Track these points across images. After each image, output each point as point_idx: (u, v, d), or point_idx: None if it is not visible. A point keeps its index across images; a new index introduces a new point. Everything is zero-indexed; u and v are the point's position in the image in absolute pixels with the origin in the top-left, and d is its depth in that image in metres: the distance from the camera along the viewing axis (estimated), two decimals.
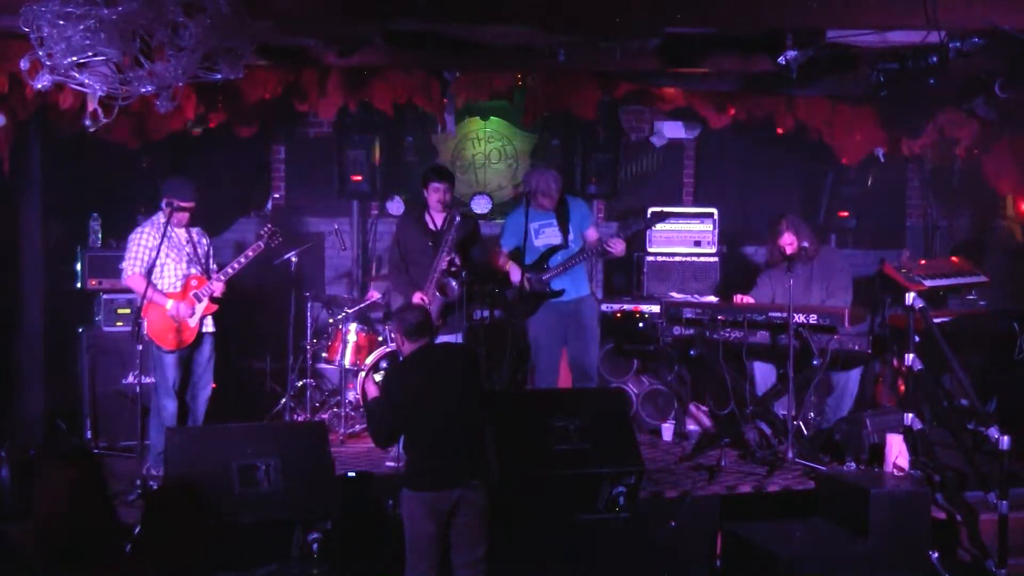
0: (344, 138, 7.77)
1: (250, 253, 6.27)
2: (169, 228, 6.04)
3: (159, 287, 6.03)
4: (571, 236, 6.73)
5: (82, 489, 2.92)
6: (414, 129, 8.33)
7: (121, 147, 7.02)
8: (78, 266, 6.95)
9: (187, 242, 6.19)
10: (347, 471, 5.76)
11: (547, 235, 6.75)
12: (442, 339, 6.41)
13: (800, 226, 6.69)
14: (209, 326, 6.22)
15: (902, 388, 6.58)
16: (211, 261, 6.35)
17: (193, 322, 6.08)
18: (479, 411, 4.82)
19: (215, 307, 6.17)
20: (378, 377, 6.29)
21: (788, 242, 6.61)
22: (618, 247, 6.56)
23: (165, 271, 6.10)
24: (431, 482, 4.56)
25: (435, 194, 6.49)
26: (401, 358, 4.93)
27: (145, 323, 5.93)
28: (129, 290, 6.34)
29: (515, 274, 6.66)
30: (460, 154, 8.49)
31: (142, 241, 6.05)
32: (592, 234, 6.80)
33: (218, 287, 6.15)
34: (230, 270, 6.22)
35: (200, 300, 6.11)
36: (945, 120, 7.49)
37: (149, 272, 5.91)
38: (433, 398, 4.64)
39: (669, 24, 5.95)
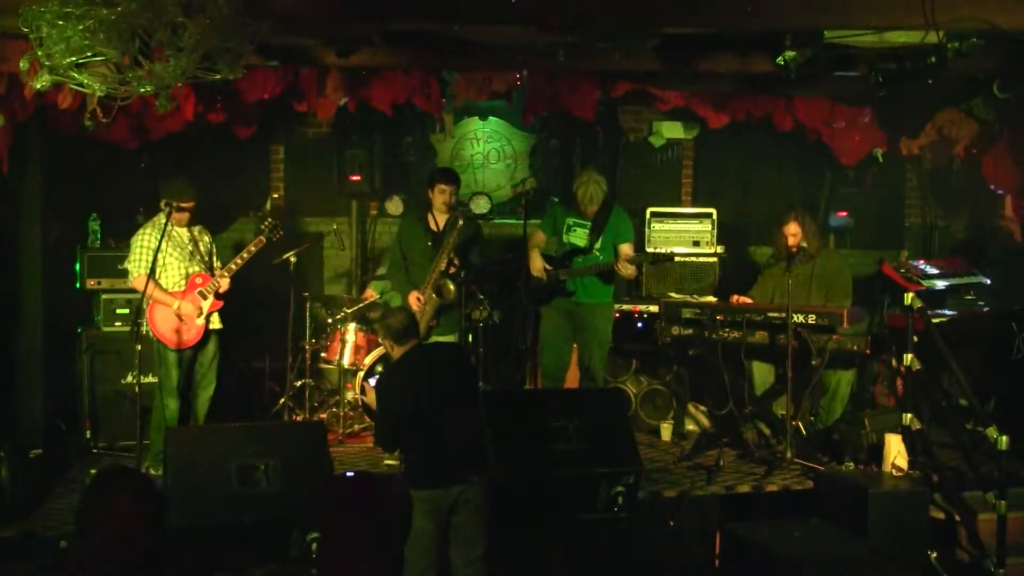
0: (343, 138, 7.78)
1: (252, 248, 6.33)
2: (169, 227, 6.09)
3: (164, 286, 6.08)
4: (599, 244, 6.70)
5: (137, 510, 2.92)
6: (413, 129, 8.33)
7: (121, 147, 7.02)
8: (78, 266, 6.95)
9: (189, 241, 6.25)
10: (346, 471, 5.76)
11: (576, 235, 6.75)
12: (439, 339, 6.43)
13: (807, 222, 6.70)
14: (216, 323, 6.27)
15: (901, 388, 6.58)
16: (214, 258, 6.40)
17: (200, 320, 6.13)
18: (475, 406, 4.83)
19: (220, 303, 6.23)
20: (372, 382, 6.31)
21: (792, 232, 6.62)
22: (627, 270, 6.56)
23: (169, 270, 6.15)
24: (431, 481, 4.55)
25: (441, 196, 6.53)
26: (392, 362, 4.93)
27: (146, 322, 5.96)
28: (132, 290, 6.37)
29: (535, 261, 6.66)
30: (459, 154, 8.49)
31: (143, 242, 6.10)
32: (626, 251, 6.69)
33: (223, 283, 6.20)
34: (233, 266, 6.27)
35: (205, 297, 6.16)
36: (944, 120, 7.50)
37: (152, 272, 5.95)
38: (427, 397, 4.64)
39: (669, 24, 5.95)
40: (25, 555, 4.95)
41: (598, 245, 6.70)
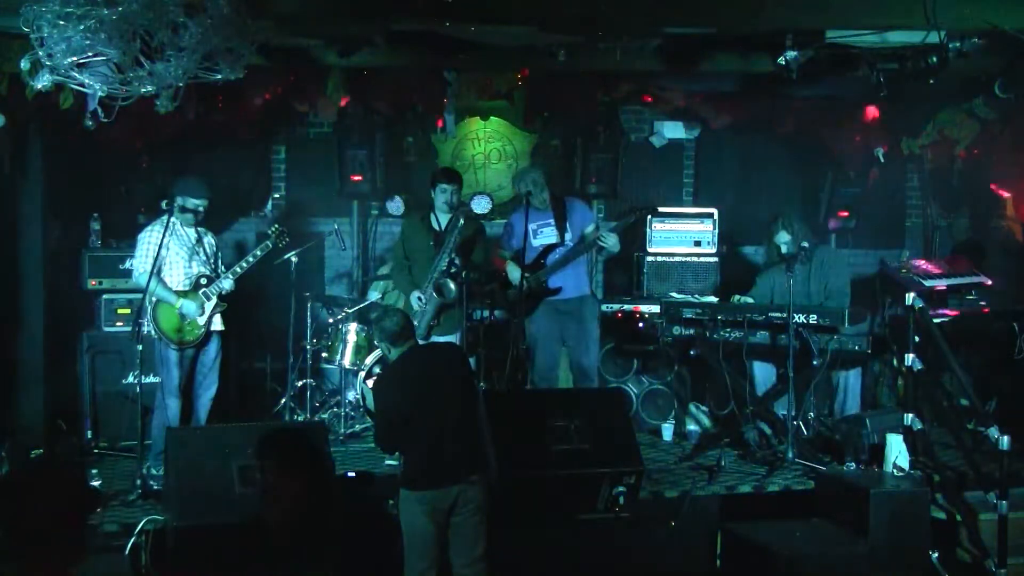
0: (344, 138, 7.77)
1: (259, 252, 6.34)
2: (175, 226, 6.11)
3: (168, 284, 6.09)
4: (569, 235, 6.76)
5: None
6: (414, 129, 8.33)
7: (121, 147, 7.01)
8: (82, 267, 6.94)
9: (196, 241, 6.26)
10: (347, 471, 5.76)
11: (545, 234, 6.80)
12: (438, 339, 6.43)
13: (795, 223, 6.70)
14: (218, 324, 6.27)
15: (902, 388, 6.58)
16: (219, 261, 6.41)
17: (203, 320, 6.13)
18: (474, 405, 4.82)
19: (223, 305, 6.22)
20: (371, 383, 6.30)
21: (783, 240, 6.63)
22: (610, 240, 6.56)
23: (175, 269, 6.16)
24: (430, 481, 4.55)
25: (442, 195, 6.55)
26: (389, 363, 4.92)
27: (147, 322, 5.97)
28: (133, 291, 6.36)
29: (513, 273, 6.69)
30: (460, 154, 8.48)
31: (150, 239, 6.11)
32: (595, 230, 6.80)
33: (226, 284, 6.20)
34: (238, 268, 6.26)
35: (209, 298, 6.16)
36: (946, 120, 7.50)
37: (158, 270, 5.96)
38: (425, 398, 4.62)
39: (669, 24, 5.95)
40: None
41: (568, 236, 6.75)
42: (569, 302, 6.73)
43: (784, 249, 6.64)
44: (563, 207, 6.83)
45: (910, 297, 5.86)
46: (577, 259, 6.74)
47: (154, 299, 6.02)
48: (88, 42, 4.19)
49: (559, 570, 5.29)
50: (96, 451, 6.62)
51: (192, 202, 6.15)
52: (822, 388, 6.70)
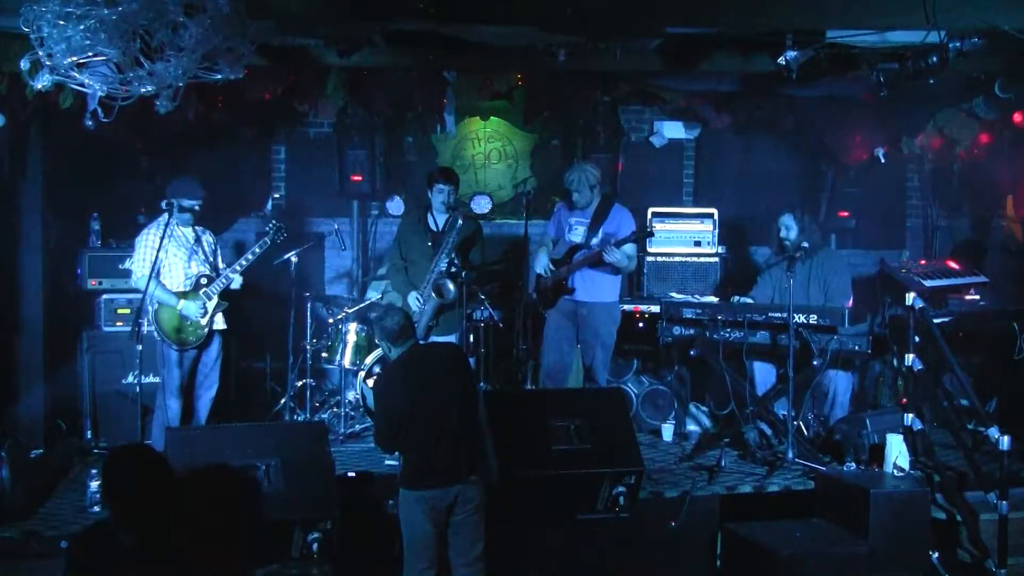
0: (344, 138, 7.77)
1: (257, 249, 6.34)
2: (173, 227, 6.11)
3: (168, 286, 6.09)
4: (597, 238, 6.66)
5: None
6: (414, 129, 8.33)
7: (121, 147, 7.01)
8: (81, 267, 6.94)
9: (195, 241, 6.26)
10: (347, 471, 5.76)
11: (575, 233, 6.77)
12: (438, 339, 6.43)
13: (806, 218, 6.71)
14: (220, 323, 6.27)
15: (903, 388, 6.58)
16: (219, 258, 6.42)
17: (204, 320, 6.13)
18: (473, 405, 4.82)
19: (225, 303, 6.22)
20: (371, 382, 6.30)
21: (786, 224, 6.65)
22: (614, 255, 6.42)
23: (173, 270, 6.16)
24: (429, 481, 4.55)
25: (439, 195, 6.54)
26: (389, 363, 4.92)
27: (147, 321, 5.97)
28: (132, 291, 6.36)
29: (540, 262, 6.71)
30: (460, 154, 8.49)
31: (148, 242, 6.11)
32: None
33: (236, 279, 6.20)
34: (238, 267, 6.25)
35: (211, 298, 6.16)
36: (946, 120, 7.50)
37: (157, 272, 5.96)
38: (424, 397, 4.62)
39: (669, 24, 5.95)
40: (25, 555, 4.94)
41: (596, 240, 6.69)
42: (581, 305, 6.69)
43: (782, 232, 6.66)
44: (607, 209, 6.72)
45: (910, 297, 5.87)
46: (599, 265, 6.59)
47: (155, 301, 6.02)
48: (88, 42, 4.18)
49: (559, 570, 5.29)
50: (96, 451, 6.61)
51: (187, 202, 6.15)
52: (815, 390, 6.69)
